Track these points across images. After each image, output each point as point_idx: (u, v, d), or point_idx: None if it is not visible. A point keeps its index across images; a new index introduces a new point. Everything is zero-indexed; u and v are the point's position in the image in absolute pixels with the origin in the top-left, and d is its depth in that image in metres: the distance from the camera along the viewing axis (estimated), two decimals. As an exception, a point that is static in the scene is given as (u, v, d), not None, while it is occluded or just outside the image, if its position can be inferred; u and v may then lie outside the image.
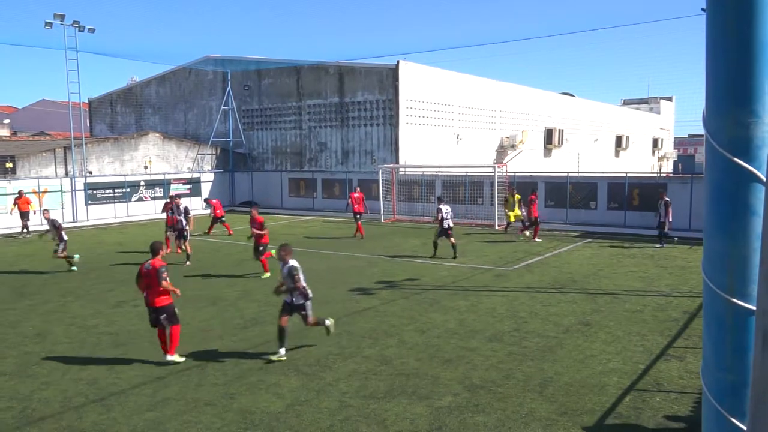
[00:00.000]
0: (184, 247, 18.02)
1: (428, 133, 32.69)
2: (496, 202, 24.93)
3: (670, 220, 19.46)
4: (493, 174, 25.53)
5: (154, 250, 9.43)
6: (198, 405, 7.78)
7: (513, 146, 38.75)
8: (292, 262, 9.32)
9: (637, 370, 8.78)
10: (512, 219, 22.41)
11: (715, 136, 1.80)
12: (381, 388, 8.23)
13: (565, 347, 9.81)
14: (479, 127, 36.81)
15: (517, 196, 22.61)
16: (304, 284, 9.30)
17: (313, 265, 17.20)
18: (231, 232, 23.67)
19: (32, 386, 8.50)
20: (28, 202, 24.08)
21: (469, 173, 27.74)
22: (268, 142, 36.66)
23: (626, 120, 57.44)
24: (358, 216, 22.30)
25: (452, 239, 17.46)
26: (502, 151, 38.51)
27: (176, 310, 9.44)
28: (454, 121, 34.72)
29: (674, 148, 72.38)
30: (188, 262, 17.51)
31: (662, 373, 8.66)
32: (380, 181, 28.24)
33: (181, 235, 18.22)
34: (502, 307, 12.34)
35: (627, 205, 23.84)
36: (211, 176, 34.64)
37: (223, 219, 24.02)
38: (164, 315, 9.23)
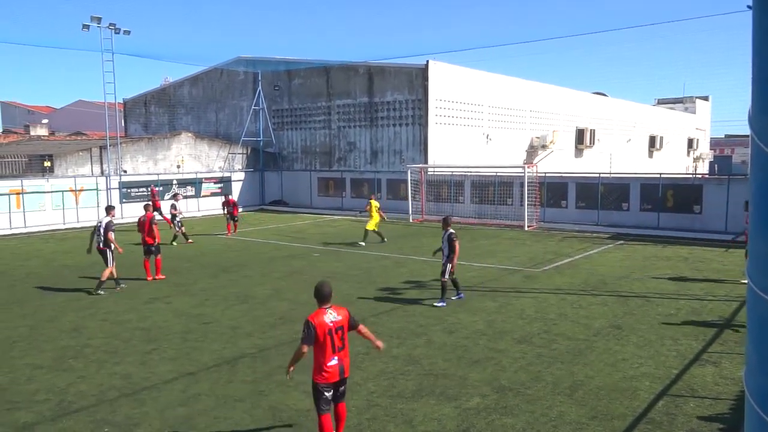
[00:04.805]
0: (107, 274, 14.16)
1: (457, 133, 32.55)
2: (526, 202, 24.71)
3: (454, 263, 12.63)
4: (522, 174, 25.29)
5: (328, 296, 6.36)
6: (228, 401, 7.88)
7: (543, 146, 38.32)
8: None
9: (670, 374, 8.61)
10: (372, 227, 20.52)
11: (761, 135, 1.75)
12: (409, 387, 8.22)
13: (596, 350, 9.66)
14: (509, 127, 36.50)
15: (376, 204, 20.81)
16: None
17: (341, 264, 17.29)
18: (229, 233, 23.46)
19: (68, 379, 8.70)
20: None
21: (498, 173, 27.53)
22: (297, 141, 36.93)
23: (660, 120, 56.33)
24: (235, 217, 23.77)
25: (183, 229, 21.94)
26: (532, 151, 38.13)
27: None
28: (484, 121, 34.49)
29: (710, 149, 70.74)
30: (100, 291, 13.96)
31: (696, 378, 8.47)
32: (409, 181, 28.21)
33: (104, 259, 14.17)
34: (531, 309, 12.21)
35: (661, 207, 23.39)
36: (241, 175, 35.03)
37: (236, 218, 23.80)
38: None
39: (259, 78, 36.86)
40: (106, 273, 14.10)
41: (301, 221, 28.78)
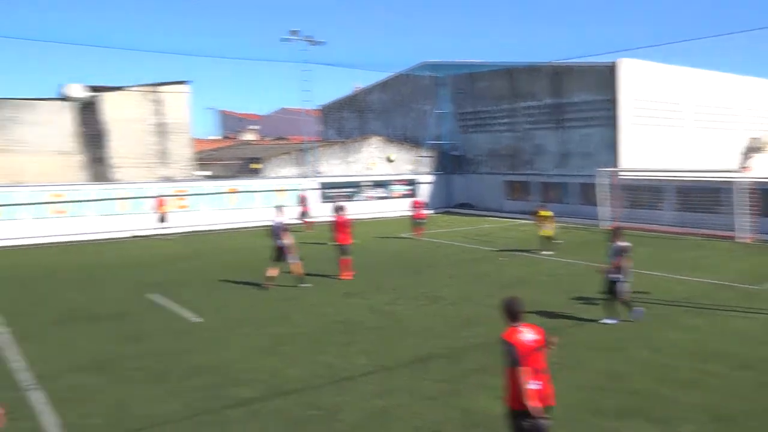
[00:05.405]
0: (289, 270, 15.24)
1: (654, 135, 30.04)
2: (741, 212, 22.02)
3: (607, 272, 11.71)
4: (735, 180, 22.60)
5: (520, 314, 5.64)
6: (422, 399, 8.07)
7: (760, 148, 33.97)
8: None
9: None
10: (549, 234, 20.12)
11: None
12: (610, 405, 7.75)
13: (840, 386, 8.29)
14: (717, 127, 32.88)
15: (545, 213, 20.20)
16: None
17: (528, 270, 16.87)
18: (419, 235, 23.91)
19: (280, 363, 9.57)
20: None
21: (704, 178, 24.91)
22: (482, 144, 36.82)
23: None
24: (420, 221, 24.25)
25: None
26: (747, 153, 33.97)
27: None
28: (686, 120, 31.46)
29: None
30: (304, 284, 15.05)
31: None
32: (600, 186, 26.68)
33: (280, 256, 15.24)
34: (753, 331, 10.83)
35: None
36: (429, 178, 35.84)
37: (419, 222, 24.14)
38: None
39: (444, 82, 37.41)
40: (297, 268, 15.09)
41: (488, 224, 28.64)
